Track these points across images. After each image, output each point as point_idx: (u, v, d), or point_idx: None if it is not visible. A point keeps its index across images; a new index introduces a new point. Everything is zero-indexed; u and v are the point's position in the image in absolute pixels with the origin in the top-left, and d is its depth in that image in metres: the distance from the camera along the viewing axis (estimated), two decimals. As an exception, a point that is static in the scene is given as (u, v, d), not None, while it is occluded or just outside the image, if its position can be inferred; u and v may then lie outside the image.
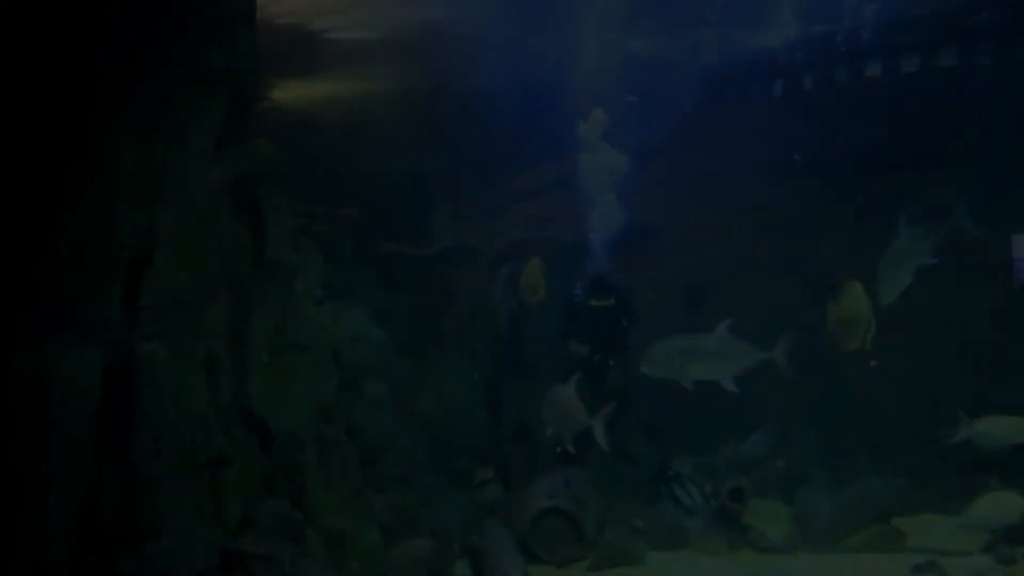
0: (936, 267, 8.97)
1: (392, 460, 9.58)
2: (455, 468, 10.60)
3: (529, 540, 9.14)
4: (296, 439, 7.51)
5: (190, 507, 6.52)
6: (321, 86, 15.94)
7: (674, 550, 9.38)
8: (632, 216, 12.46)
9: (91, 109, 5.69)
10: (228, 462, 6.90)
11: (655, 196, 13.62)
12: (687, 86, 14.62)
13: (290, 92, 15.40)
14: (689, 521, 9.88)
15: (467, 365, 11.31)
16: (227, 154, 7.36)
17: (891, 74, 11.95)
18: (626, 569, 8.75)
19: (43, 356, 5.55)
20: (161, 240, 6.52)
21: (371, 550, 7.65)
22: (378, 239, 11.11)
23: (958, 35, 11.46)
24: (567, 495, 9.27)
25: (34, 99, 5.43)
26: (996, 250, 11.00)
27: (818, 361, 10.72)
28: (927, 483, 10.41)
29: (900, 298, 8.95)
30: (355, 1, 13.53)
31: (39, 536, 5.42)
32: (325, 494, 7.49)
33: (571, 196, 12.30)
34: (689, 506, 9.98)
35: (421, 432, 10.28)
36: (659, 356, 9.11)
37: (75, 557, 5.94)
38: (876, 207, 11.35)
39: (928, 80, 11.68)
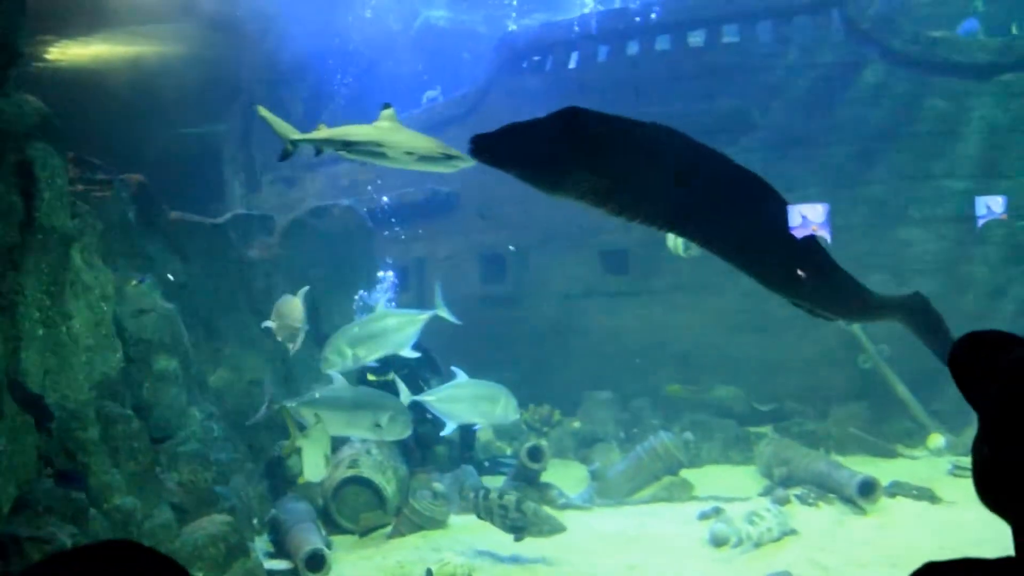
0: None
1: (185, 436, 9.19)
2: (253, 443, 10.30)
3: (331, 510, 9.06)
4: (76, 416, 7.07)
5: (-45, 491, 6.03)
6: (103, 46, 14.99)
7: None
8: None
9: None
10: (-2, 441, 6.41)
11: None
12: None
13: (68, 51, 14.41)
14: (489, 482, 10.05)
15: (263, 337, 10.94)
16: (-11, 110, 6.80)
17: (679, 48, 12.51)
18: (428, 533, 8.80)
19: None
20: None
21: (163, 529, 7.34)
22: (166, 207, 10.53)
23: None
24: (368, 464, 9.22)
25: None
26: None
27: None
28: (711, 437, 11.06)
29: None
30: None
31: None
32: (110, 473, 7.09)
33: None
34: None
35: (216, 407, 9.91)
36: None
37: None
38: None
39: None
